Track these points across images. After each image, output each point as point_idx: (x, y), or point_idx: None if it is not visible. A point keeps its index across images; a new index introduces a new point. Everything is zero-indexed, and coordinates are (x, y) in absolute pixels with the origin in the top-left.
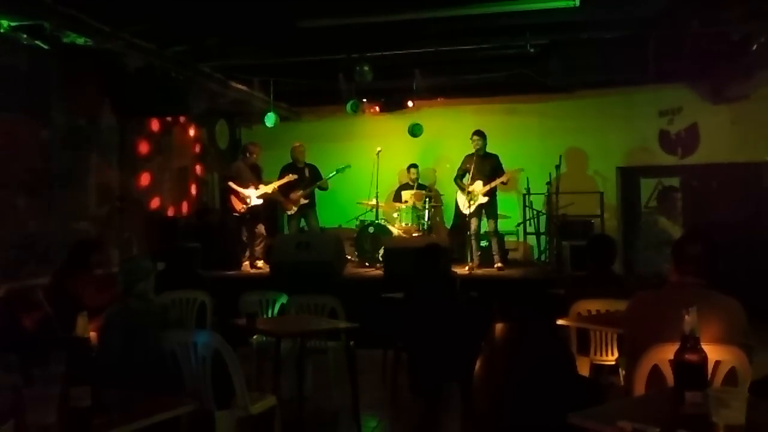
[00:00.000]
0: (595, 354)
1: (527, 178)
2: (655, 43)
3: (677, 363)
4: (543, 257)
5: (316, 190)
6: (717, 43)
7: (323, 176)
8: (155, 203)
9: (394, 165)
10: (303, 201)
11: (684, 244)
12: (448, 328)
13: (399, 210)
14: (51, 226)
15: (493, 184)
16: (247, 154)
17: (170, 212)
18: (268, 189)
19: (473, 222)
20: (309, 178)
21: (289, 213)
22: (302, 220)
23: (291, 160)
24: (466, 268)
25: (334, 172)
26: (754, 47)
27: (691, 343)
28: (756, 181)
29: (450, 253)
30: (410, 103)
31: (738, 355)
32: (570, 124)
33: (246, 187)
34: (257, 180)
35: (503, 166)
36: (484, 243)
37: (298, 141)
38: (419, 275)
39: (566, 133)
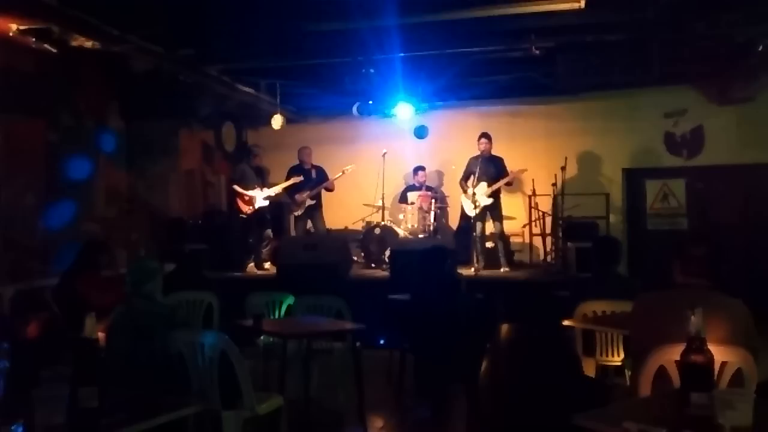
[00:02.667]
0: (601, 355)
1: (533, 180)
2: (660, 46)
3: (683, 364)
4: (548, 259)
5: (323, 192)
6: (722, 45)
7: (330, 177)
8: (162, 205)
9: (399, 167)
10: (309, 202)
11: (689, 245)
12: (453, 330)
13: (405, 211)
14: (59, 227)
15: (496, 186)
16: (252, 157)
17: (177, 214)
18: (273, 191)
19: (479, 224)
20: (315, 180)
21: (295, 214)
22: (309, 221)
23: (298, 162)
24: (472, 269)
25: (341, 173)
26: (759, 49)
27: (696, 344)
28: (761, 182)
29: (456, 255)
30: (416, 106)
31: (744, 356)
32: (575, 126)
33: (251, 189)
34: (261, 182)
35: (509, 167)
36: (489, 245)
37: (304, 143)
38: (425, 277)
39: (571, 135)
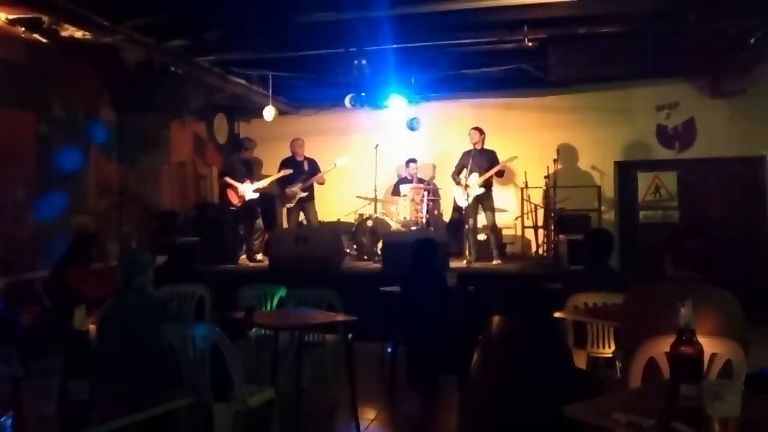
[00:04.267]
0: (592, 347)
1: (525, 172)
2: (653, 38)
3: (673, 356)
4: (540, 251)
5: (314, 184)
6: (715, 37)
7: (321, 170)
8: (154, 197)
9: (392, 159)
10: (302, 194)
11: (682, 238)
12: (445, 322)
13: (397, 204)
14: (50, 219)
15: (487, 175)
16: (242, 150)
17: (169, 206)
18: (262, 184)
19: (471, 216)
20: (308, 172)
21: (288, 206)
22: (301, 213)
23: (290, 154)
24: (464, 261)
25: (333, 166)
26: (752, 42)
27: (686, 336)
28: (753, 175)
29: (447, 247)
30: (408, 98)
31: (734, 348)
32: (568, 118)
33: (240, 182)
34: (249, 175)
35: (501, 160)
36: (481, 237)
37: (296, 135)
38: (416, 269)
39: (564, 127)
